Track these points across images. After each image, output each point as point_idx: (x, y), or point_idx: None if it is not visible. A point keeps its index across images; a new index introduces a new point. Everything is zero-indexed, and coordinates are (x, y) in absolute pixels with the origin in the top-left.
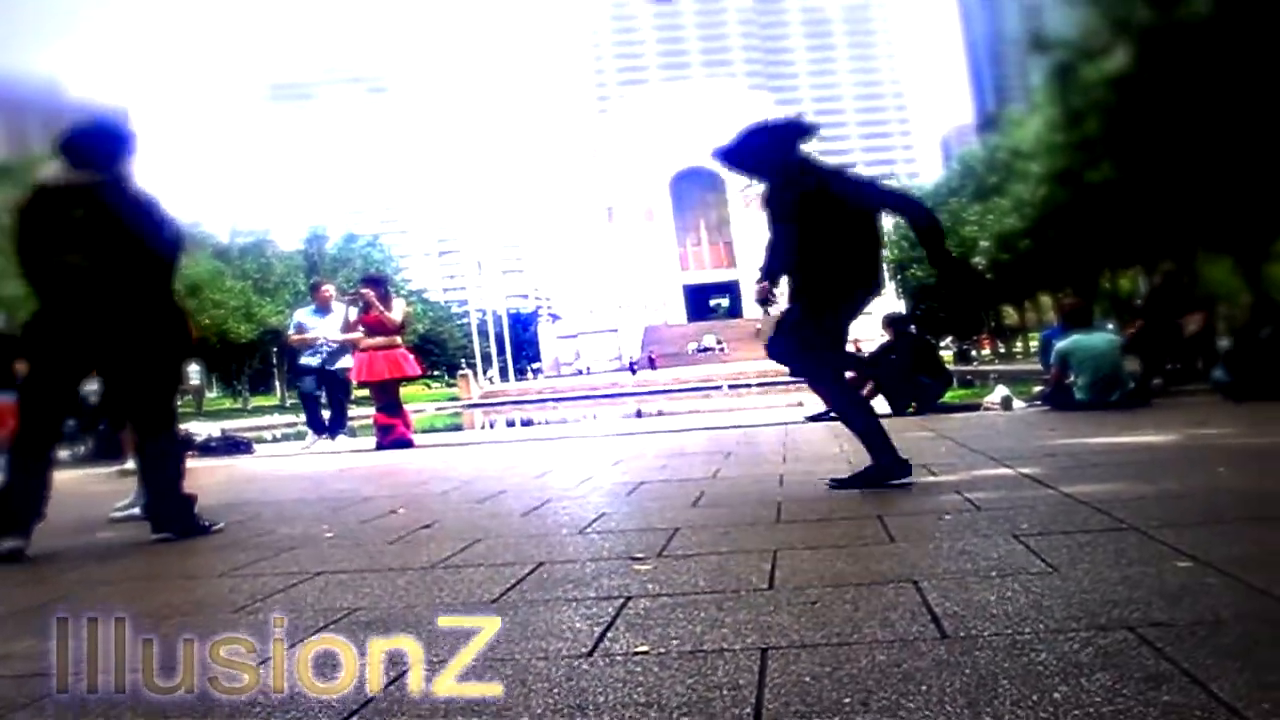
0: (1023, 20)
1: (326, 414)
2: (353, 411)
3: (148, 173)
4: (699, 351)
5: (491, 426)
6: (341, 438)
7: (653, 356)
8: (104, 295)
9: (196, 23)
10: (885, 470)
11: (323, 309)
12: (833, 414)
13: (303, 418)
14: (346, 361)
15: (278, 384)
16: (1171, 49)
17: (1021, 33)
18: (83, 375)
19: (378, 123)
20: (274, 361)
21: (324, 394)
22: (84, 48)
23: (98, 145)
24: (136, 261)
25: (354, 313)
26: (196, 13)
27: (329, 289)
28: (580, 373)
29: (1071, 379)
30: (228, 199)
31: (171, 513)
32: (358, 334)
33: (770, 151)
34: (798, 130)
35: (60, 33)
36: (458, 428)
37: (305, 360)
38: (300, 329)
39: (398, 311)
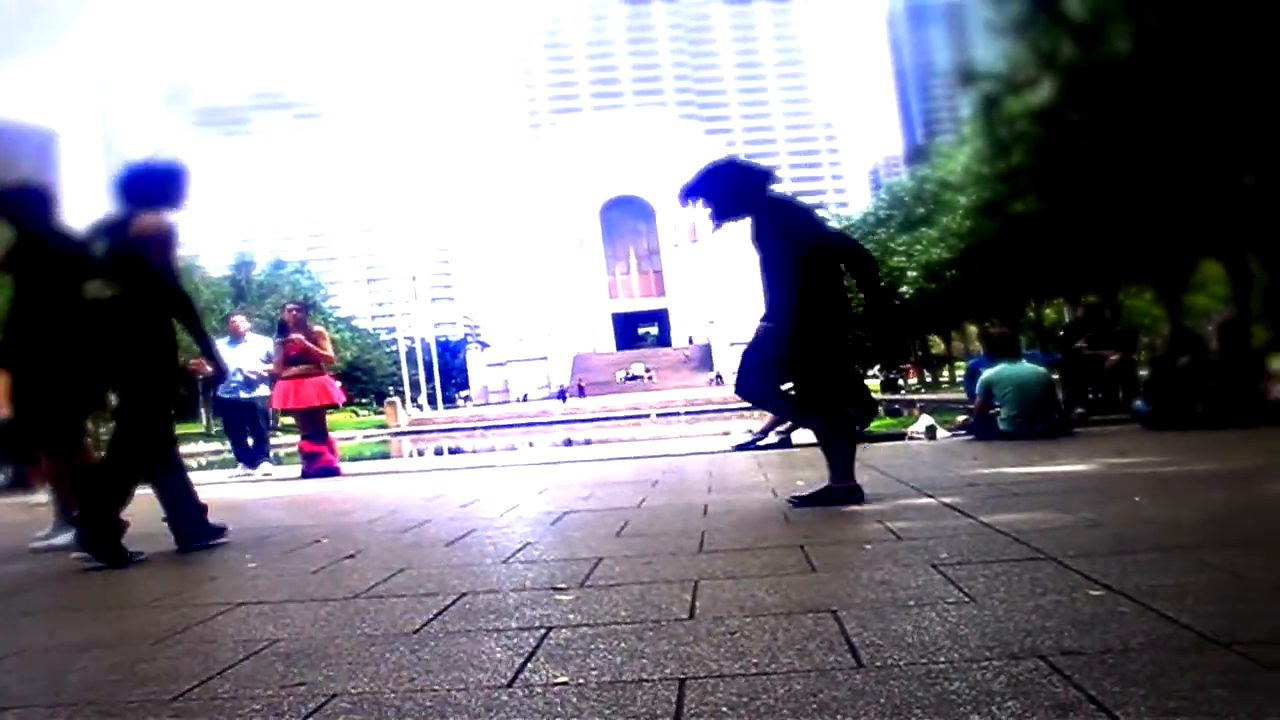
0: (951, 53)
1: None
2: (280, 439)
3: (75, 196)
4: (628, 380)
5: (420, 454)
6: (266, 465)
7: (581, 384)
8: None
9: (124, 45)
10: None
11: (235, 339)
12: (759, 443)
13: (227, 445)
14: (263, 390)
15: (202, 411)
16: (1095, 84)
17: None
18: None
19: (307, 148)
20: (199, 389)
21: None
22: (8, 67)
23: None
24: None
25: (275, 347)
26: (125, 36)
27: (239, 319)
28: (523, 399)
29: (996, 409)
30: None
31: (195, 526)
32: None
33: (749, 189)
34: (767, 176)
35: None
36: (385, 455)
37: (224, 395)
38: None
39: (323, 341)
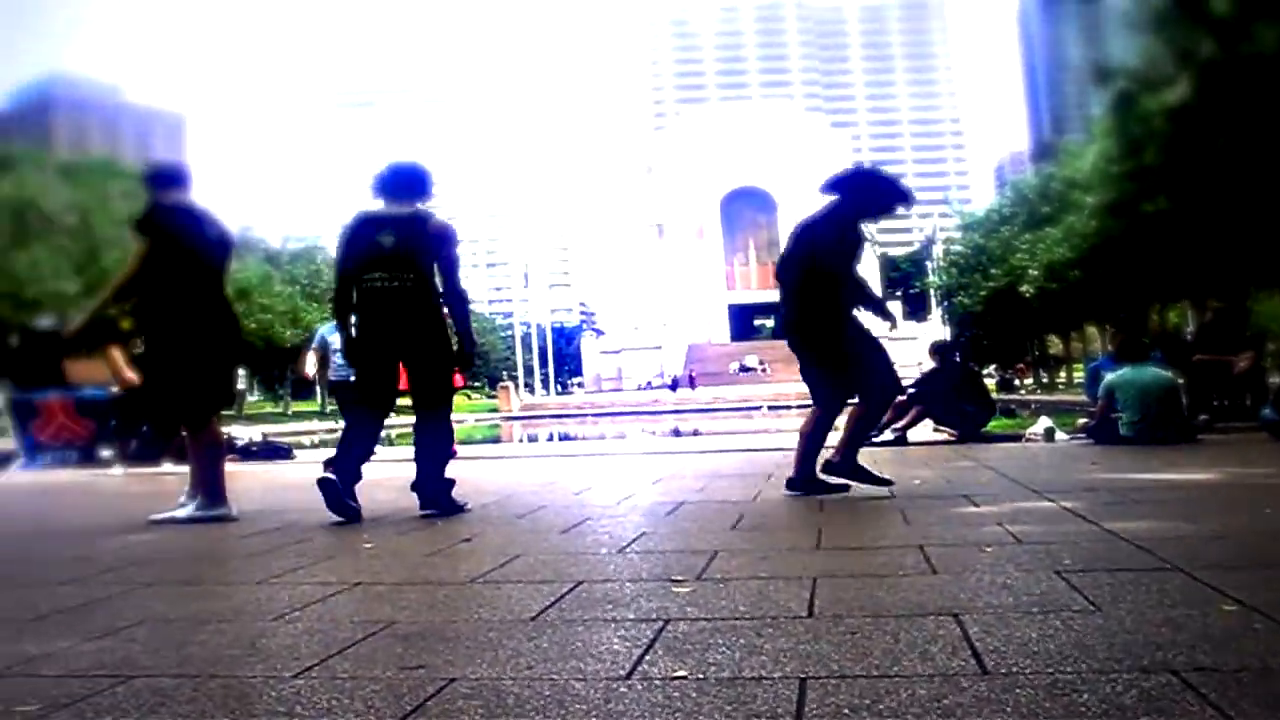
0: (1084, 50)
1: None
2: (394, 420)
3: (202, 178)
4: (741, 371)
5: (531, 440)
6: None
7: (693, 375)
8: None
9: (256, 29)
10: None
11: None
12: (873, 440)
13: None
14: None
15: (318, 390)
16: (1234, 82)
17: (1082, 62)
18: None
19: (432, 131)
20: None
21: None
22: (144, 52)
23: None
24: None
25: None
26: (256, 20)
27: None
28: (646, 386)
29: (1117, 413)
30: (281, 204)
31: (439, 492)
32: None
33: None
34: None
35: (123, 37)
36: (497, 439)
37: (334, 378)
38: (324, 343)
39: None
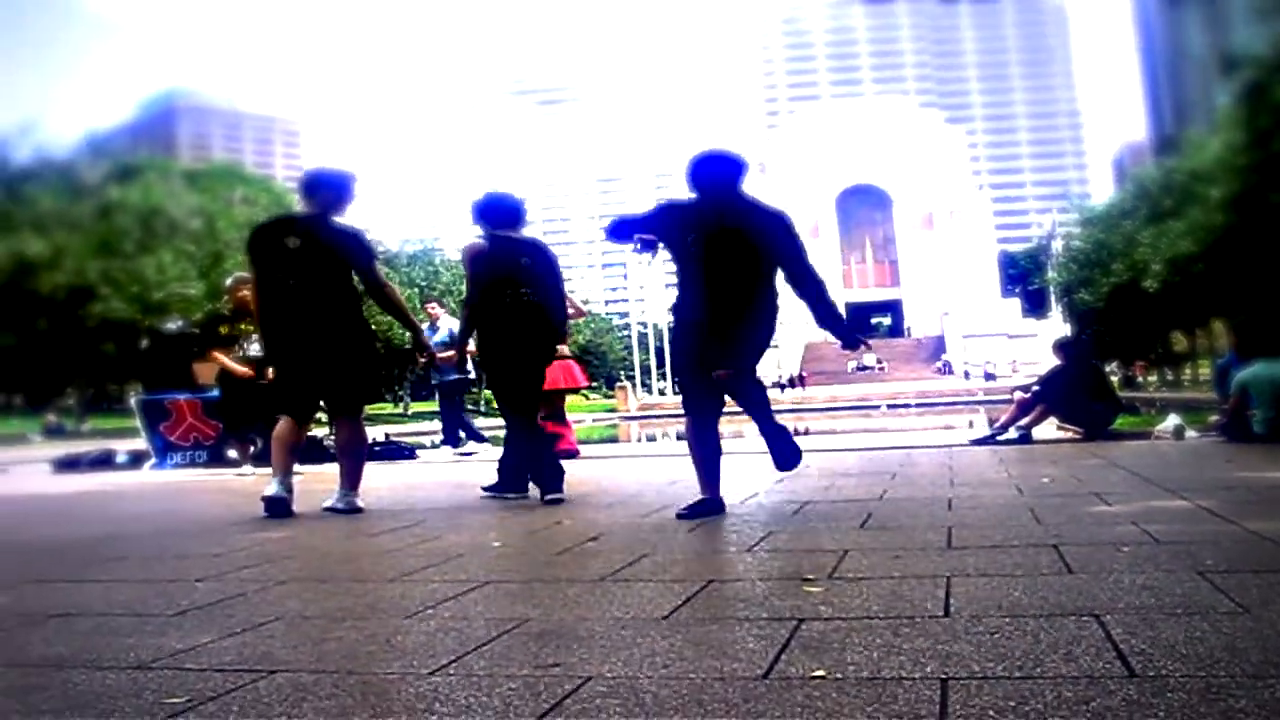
0: (1205, 38)
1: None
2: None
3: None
4: (858, 370)
5: (649, 439)
6: (471, 445)
7: (803, 375)
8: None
9: (372, 32)
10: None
11: (432, 327)
12: (998, 438)
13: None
14: (451, 374)
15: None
16: None
17: (1203, 51)
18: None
19: (550, 134)
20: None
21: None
22: (261, 61)
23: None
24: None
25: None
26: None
27: (433, 307)
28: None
29: (1251, 410)
30: (398, 207)
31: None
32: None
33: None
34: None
35: (240, 46)
36: (614, 439)
37: (434, 377)
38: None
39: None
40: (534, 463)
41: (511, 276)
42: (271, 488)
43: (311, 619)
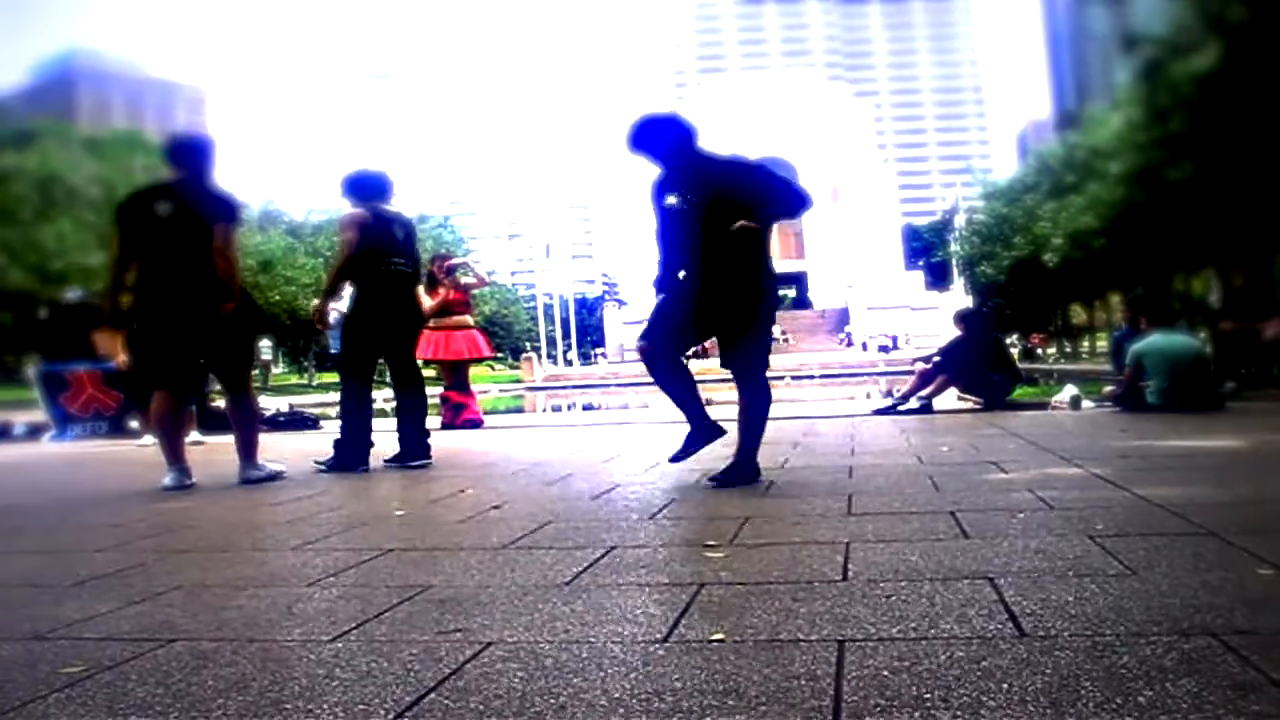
0: (1107, 16)
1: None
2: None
3: (228, 151)
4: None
5: (555, 410)
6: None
7: (705, 346)
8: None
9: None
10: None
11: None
12: (899, 408)
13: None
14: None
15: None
16: (1263, 47)
17: (1105, 28)
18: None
19: (452, 104)
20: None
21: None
22: (166, 25)
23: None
24: None
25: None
26: None
27: None
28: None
29: (1145, 381)
30: (303, 177)
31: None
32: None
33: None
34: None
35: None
36: (520, 410)
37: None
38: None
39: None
40: (414, 430)
41: (388, 247)
42: (168, 478)
43: (212, 587)
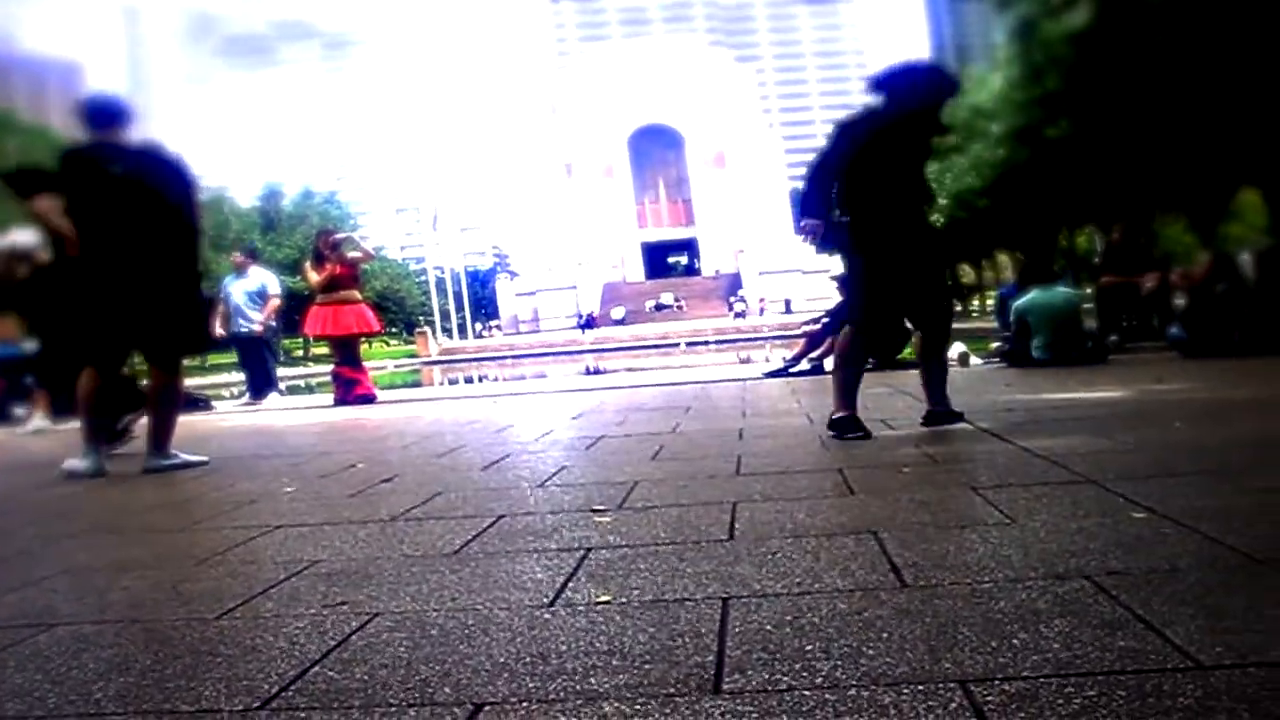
0: None
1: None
2: (310, 369)
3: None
4: (656, 309)
5: (451, 383)
6: (273, 397)
7: (594, 316)
8: None
9: None
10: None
11: (239, 273)
12: (790, 370)
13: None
14: (256, 326)
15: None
16: (1133, 6)
17: None
18: None
19: (335, 78)
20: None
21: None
22: None
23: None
24: None
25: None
26: None
27: (238, 255)
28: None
29: (1031, 337)
30: (186, 154)
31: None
32: (273, 302)
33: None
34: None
35: None
36: (417, 384)
37: (232, 328)
38: (225, 294)
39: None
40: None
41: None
42: (81, 462)
43: (97, 570)
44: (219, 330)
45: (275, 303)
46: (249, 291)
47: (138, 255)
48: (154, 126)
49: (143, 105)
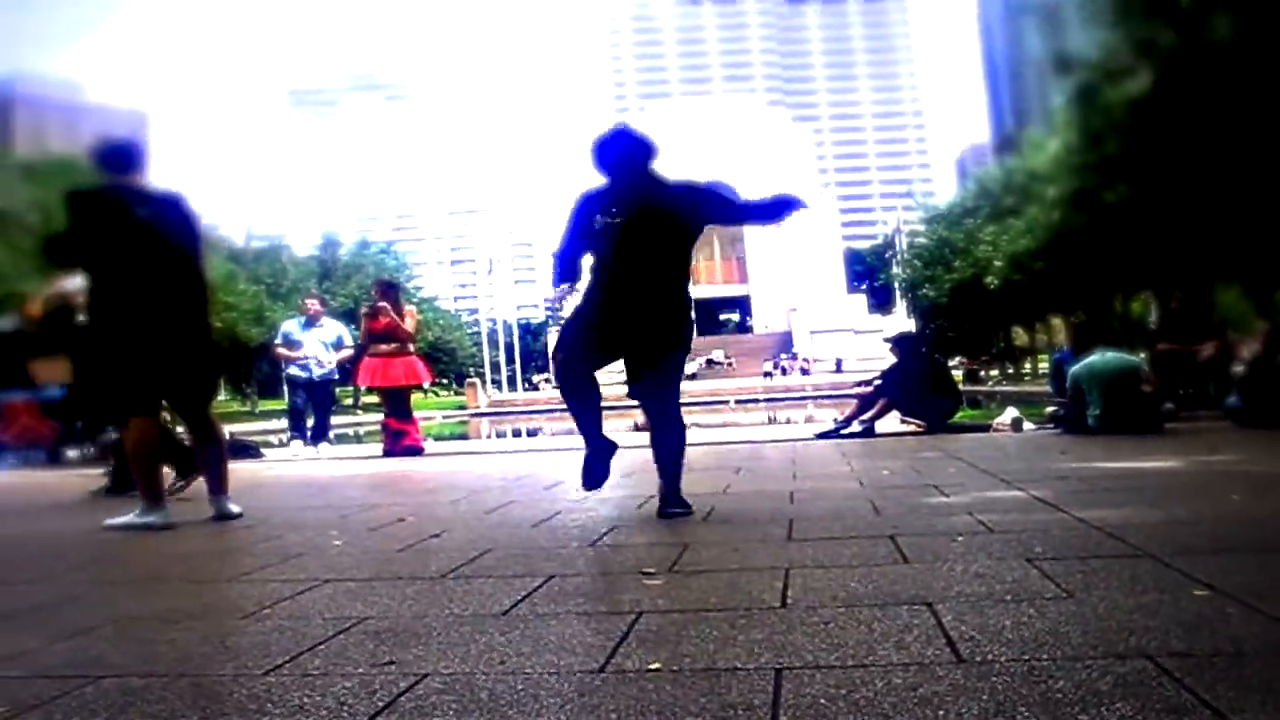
0: (1044, 42)
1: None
2: (359, 417)
3: (170, 176)
4: (706, 365)
5: (499, 436)
6: (324, 446)
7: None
8: None
9: (216, 28)
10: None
11: (310, 322)
12: (841, 432)
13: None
14: (334, 375)
15: (285, 389)
16: (1193, 72)
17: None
18: None
19: (395, 130)
20: (282, 366)
21: (308, 402)
22: (103, 51)
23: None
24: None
25: (363, 323)
26: (217, 18)
27: (313, 302)
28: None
29: (1086, 403)
30: (245, 203)
31: None
32: (346, 352)
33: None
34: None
35: (81, 35)
36: (464, 436)
37: (294, 372)
38: (287, 339)
39: (409, 319)
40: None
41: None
42: (154, 516)
43: (144, 621)
44: (294, 373)
45: (348, 353)
46: (326, 341)
47: (166, 299)
48: (213, 178)
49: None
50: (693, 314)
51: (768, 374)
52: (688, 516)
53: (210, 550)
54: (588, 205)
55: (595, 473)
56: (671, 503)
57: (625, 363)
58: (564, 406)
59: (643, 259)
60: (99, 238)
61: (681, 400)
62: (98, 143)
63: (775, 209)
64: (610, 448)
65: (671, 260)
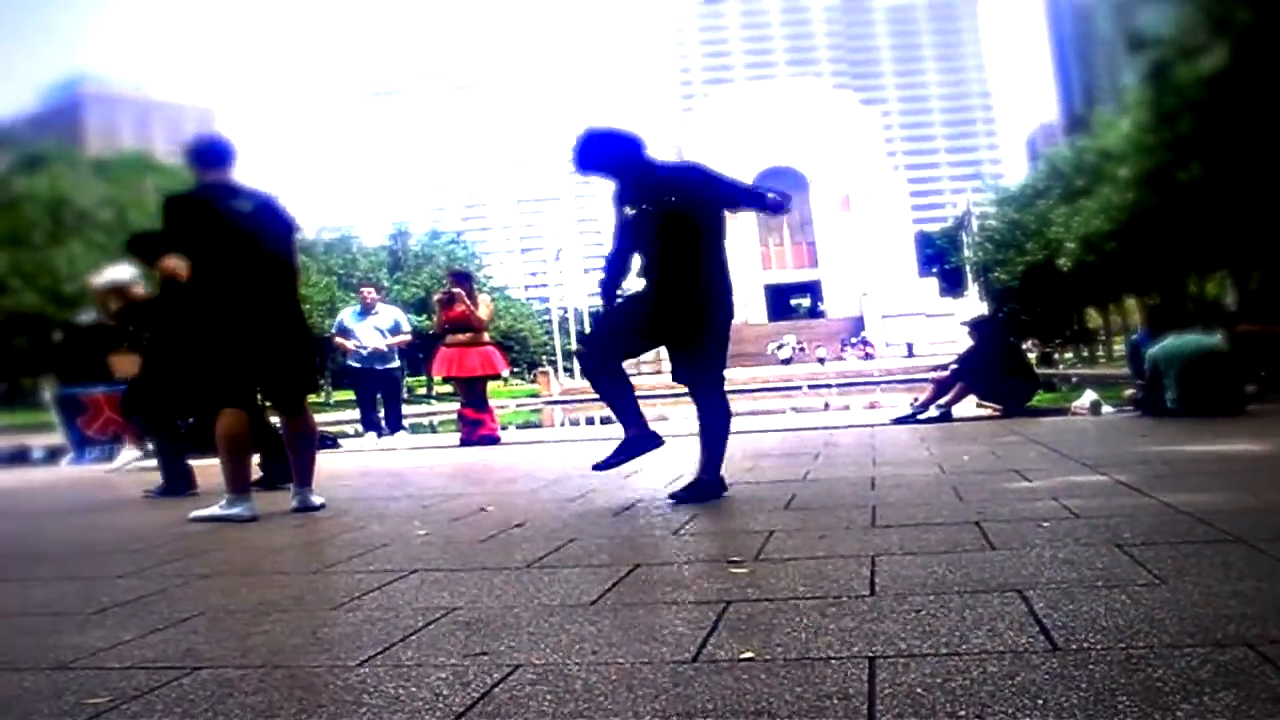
0: (1113, 20)
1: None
2: (434, 407)
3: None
4: (783, 363)
5: (572, 424)
6: (402, 435)
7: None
8: None
9: (283, 20)
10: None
11: (365, 311)
12: (919, 416)
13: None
14: (394, 362)
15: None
16: (1269, 48)
17: (1112, 32)
18: None
19: (463, 120)
20: (344, 358)
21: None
22: (170, 47)
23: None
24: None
25: (436, 311)
26: (283, 10)
27: (370, 291)
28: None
29: (1165, 385)
30: (314, 195)
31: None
32: (404, 337)
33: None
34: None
35: (149, 32)
36: (538, 424)
37: (351, 363)
38: (341, 329)
39: (483, 308)
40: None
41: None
42: (238, 508)
43: (235, 613)
44: (351, 364)
45: (406, 338)
46: (382, 328)
47: (262, 294)
48: (282, 171)
49: (269, 150)
50: (730, 294)
51: (821, 360)
52: (717, 501)
53: (296, 542)
54: (618, 205)
55: (616, 457)
56: (706, 483)
57: (666, 349)
58: (637, 394)
59: (666, 244)
60: (196, 236)
61: (753, 386)
62: (191, 141)
63: (761, 201)
64: (654, 440)
65: (695, 241)
